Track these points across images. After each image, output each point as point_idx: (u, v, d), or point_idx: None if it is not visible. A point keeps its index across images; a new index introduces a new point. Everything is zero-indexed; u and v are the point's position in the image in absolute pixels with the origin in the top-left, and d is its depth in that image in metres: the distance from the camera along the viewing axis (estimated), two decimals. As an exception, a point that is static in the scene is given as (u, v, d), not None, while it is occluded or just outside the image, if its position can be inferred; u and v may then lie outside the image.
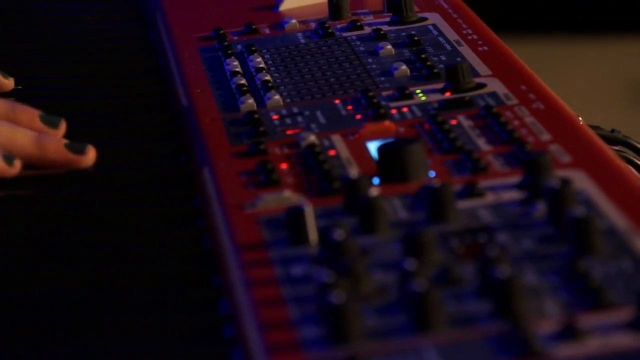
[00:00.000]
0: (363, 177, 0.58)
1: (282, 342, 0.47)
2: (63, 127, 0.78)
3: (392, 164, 0.62)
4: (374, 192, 0.56)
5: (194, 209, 0.68)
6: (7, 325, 0.55)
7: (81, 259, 0.62)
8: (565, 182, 0.55)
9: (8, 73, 0.87)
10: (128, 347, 0.52)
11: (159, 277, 0.59)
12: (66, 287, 0.59)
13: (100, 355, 0.52)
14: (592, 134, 0.66)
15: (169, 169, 0.76)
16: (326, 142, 0.70)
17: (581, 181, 0.58)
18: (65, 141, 0.75)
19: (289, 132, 0.73)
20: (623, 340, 0.43)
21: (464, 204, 0.58)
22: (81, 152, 0.73)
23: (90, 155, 0.74)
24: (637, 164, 0.90)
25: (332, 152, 0.68)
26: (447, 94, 0.75)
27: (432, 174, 0.62)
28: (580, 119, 0.75)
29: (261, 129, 0.73)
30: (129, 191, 0.72)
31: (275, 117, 0.76)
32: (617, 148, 0.93)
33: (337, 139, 0.70)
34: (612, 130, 0.94)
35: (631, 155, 0.92)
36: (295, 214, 0.55)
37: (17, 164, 0.72)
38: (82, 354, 0.52)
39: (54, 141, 0.75)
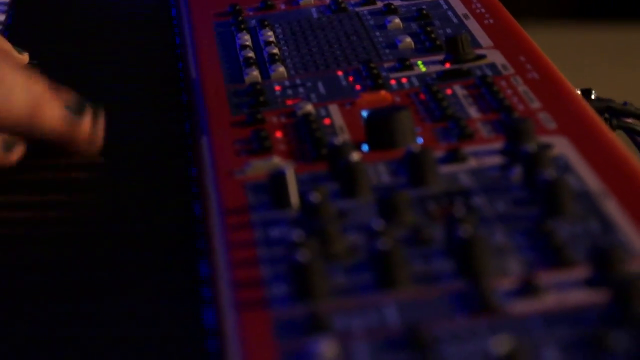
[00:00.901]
0: (346, 143, 0.59)
1: (251, 299, 0.48)
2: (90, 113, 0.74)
3: (379, 130, 0.63)
4: (354, 157, 0.57)
5: (189, 176, 0.70)
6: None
7: (73, 219, 0.63)
8: (542, 146, 0.55)
9: (22, 48, 0.88)
10: (105, 303, 0.54)
11: (145, 240, 0.60)
12: (57, 246, 0.61)
13: (81, 311, 0.54)
14: (583, 103, 0.67)
15: (171, 138, 0.77)
16: (323, 112, 0.71)
17: (563, 147, 0.58)
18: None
19: (289, 102, 0.74)
20: (579, 297, 0.44)
21: (446, 169, 0.59)
22: (81, 110, 0.72)
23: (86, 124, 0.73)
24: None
25: (327, 121, 0.69)
26: (447, 65, 0.75)
27: (419, 140, 0.63)
28: (578, 91, 0.75)
29: (261, 99, 0.74)
30: (130, 157, 0.73)
31: (277, 88, 0.77)
32: (630, 121, 0.93)
33: (334, 108, 0.72)
34: (625, 103, 0.93)
35: (641, 127, 0.92)
36: (276, 178, 0.57)
37: (17, 151, 0.72)
38: (64, 310, 0.54)
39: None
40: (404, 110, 0.63)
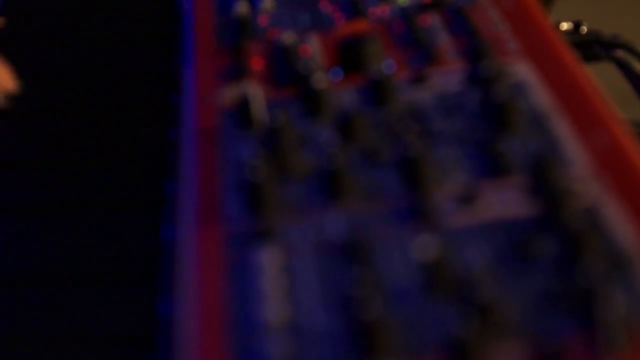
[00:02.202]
0: (312, 68, 0.61)
1: (208, 213, 0.51)
2: None
3: (350, 56, 0.65)
4: (318, 81, 0.59)
5: (168, 104, 0.72)
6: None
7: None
8: (499, 68, 0.57)
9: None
10: (69, 239, 0.56)
11: (116, 169, 0.62)
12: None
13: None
14: (551, 31, 0.68)
15: (158, 69, 0.79)
16: (303, 42, 0.72)
17: (521, 70, 0.60)
18: None
19: (272, 33, 0.76)
20: (517, 207, 0.46)
21: (410, 93, 0.60)
22: None
23: None
24: (634, 68, 0.91)
25: (306, 50, 0.71)
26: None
27: (389, 64, 0.65)
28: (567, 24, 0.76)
29: (245, 29, 0.76)
30: (114, 84, 0.75)
31: (263, 19, 0.79)
32: (620, 52, 0.94)
33: (314, 37, 0.73)
34: (615, 35, 0.94)
35: (631, 59, 0.92)
36: (242, 100, 0.59)
37: None
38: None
39: None
40: (373, 37, 0.65)
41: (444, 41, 0.68)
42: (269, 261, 0.44)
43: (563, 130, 0.52)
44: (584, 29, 0.94)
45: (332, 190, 0.49)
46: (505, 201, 0.47)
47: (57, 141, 0.68)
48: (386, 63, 0.65)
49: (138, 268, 0.54)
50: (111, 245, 0.56)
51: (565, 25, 0.94)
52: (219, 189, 0.53)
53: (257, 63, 0.71)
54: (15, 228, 0.59)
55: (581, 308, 0.37)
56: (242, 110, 0.59)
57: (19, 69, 0.81)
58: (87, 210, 0.60)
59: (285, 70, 0.67)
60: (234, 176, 0.54)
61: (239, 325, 0.40)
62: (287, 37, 0.73)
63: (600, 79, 0.62)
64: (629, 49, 0.93)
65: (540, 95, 0.57)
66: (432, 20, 0.72)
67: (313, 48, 0.72)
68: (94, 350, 0.53)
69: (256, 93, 0.58)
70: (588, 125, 0.53)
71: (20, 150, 0.69)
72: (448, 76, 0.62)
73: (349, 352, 0.37)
